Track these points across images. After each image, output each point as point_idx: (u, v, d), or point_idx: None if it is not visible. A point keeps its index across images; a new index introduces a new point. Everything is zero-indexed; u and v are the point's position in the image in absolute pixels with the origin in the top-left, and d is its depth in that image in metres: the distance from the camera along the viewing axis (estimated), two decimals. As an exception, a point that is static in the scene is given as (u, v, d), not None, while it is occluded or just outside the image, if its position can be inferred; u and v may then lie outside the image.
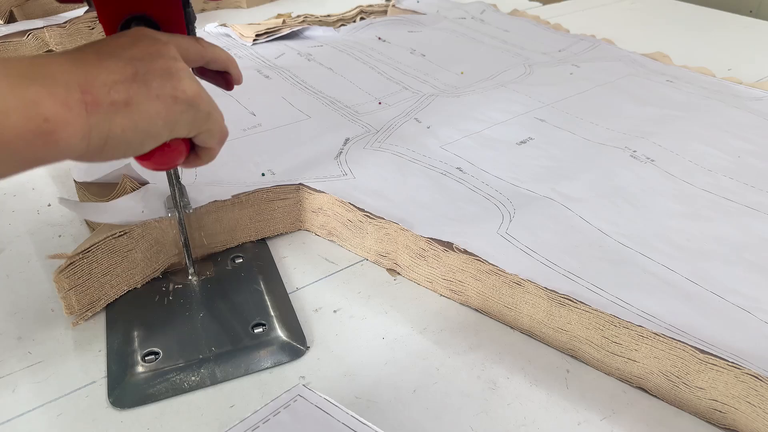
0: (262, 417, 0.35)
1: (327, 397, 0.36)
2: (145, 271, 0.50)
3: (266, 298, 0.49)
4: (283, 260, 0.55)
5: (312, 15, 1.07)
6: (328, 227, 0.57)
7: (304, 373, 0.44)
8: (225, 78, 0.41)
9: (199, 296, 0.49)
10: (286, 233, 0.59)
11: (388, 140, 0.66)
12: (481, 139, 0.67)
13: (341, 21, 1.09)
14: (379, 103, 0.74)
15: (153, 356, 0.43)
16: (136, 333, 0.45)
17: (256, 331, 0.46)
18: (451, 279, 0.50)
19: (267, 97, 0.75)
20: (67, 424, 0.40)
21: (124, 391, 0.41)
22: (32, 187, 0.67)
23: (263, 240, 0.57)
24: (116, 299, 0.48)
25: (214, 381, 0.42)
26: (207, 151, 0.37)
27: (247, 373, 0.43)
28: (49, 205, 0.63)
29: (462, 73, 0.84)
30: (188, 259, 0.50)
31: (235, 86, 0.42)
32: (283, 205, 0.57)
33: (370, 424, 0.35)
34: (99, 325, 0.47)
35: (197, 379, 0.42)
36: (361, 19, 1.11)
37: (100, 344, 0.46)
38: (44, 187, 0.66)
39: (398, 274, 0.54)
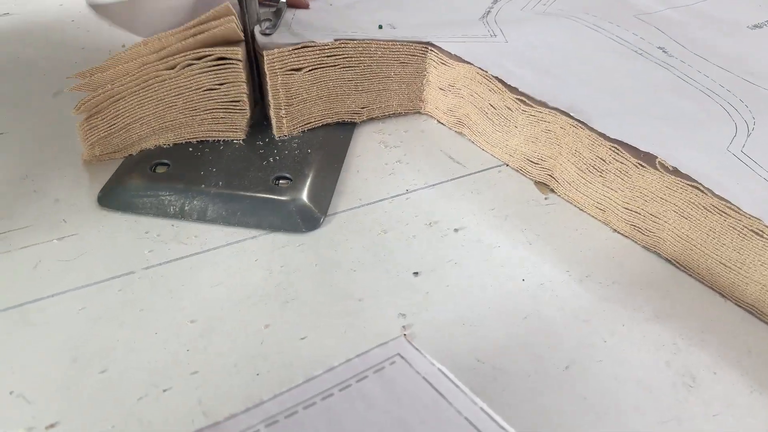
0: (339, 380, 0.22)
1: (443, 368, 0.22)
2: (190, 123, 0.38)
3: (311, 160, 0.38)
4: (393, 150, 0.41)
5: None
6: (459, 113, 0.41)
7: (404, 308, 0.31)
8: None
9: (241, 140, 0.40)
10: (401, 115, 0.44)
11: (556, 3, 0.47)
12: (692, 14, 0.46)
13: None
14: (546, -44, 0.54)
15: (164, 167, 0.37)
16: (156, 151, 0.38)
17: (277, 183, 0.37)
18: (638, 210, 0.33)
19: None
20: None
21: (114, 192, 0.36)
22: (110, 23, 0.56)
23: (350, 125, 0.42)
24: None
25: (202, 218, 0.35)
26: None
27: (239, 224, 0.35)
28: (123, 45, 0.52)
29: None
30: (252, 84, 0.38)
31: None
32: (401, 72, 0.41)
33: (500, 420, 0.21)
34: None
35: (187, 209, 0.35)
36: None
37: (145, 222, 0.35)
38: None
39: (551, 191, 0.38)
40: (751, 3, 0.48)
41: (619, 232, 0.35)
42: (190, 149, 0.38)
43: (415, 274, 0.32)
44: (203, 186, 0.36)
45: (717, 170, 0.31)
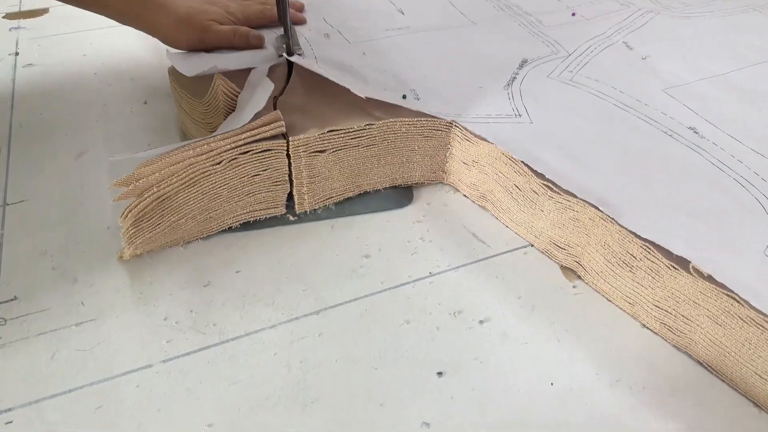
0: None
1: None
2: (235, 209, 0.37)
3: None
4: (416, 226, 0.40)
5: None
6: (483, 188, 0.41)
7: (428, 417, 0.30)
8: None
9: None
10: (423, 185, 0.43)
11: (584, 70, 0.46)
12: (726, 86, 0.45)
13: None
14: (573, 14, 0.54)
15: None
16: None
17: None
18: (669, 310, 0.32)
19: (420, -8, 0.57)
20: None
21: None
22: (131, 77, 0.56)
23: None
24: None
25: (331, 216, 0.40)
26: None
27: (356, 213, 0.41)
28: (145, 102, 0.52)
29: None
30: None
31: None
32: (425, 145, 0.40)
33: None
34: (163, 281, 0.36)
35: (319, 212, 0.40)
36: None
37: (164, 307, 0.34)
38: (144, 78, 0.55)
39: (578, 277, 0.37)
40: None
41: (647, 327, 0.34)
42: None
43: (439, 374, 0.32)
44: None
45: (754, 278, 0.30)
